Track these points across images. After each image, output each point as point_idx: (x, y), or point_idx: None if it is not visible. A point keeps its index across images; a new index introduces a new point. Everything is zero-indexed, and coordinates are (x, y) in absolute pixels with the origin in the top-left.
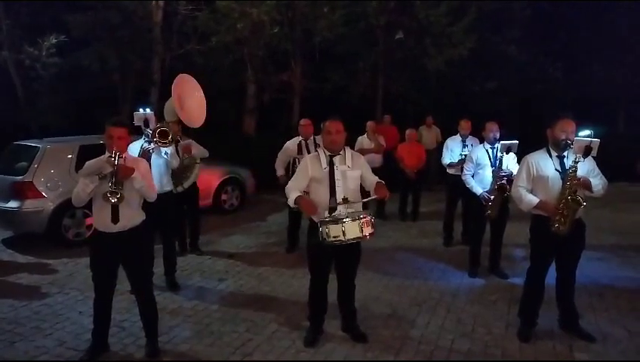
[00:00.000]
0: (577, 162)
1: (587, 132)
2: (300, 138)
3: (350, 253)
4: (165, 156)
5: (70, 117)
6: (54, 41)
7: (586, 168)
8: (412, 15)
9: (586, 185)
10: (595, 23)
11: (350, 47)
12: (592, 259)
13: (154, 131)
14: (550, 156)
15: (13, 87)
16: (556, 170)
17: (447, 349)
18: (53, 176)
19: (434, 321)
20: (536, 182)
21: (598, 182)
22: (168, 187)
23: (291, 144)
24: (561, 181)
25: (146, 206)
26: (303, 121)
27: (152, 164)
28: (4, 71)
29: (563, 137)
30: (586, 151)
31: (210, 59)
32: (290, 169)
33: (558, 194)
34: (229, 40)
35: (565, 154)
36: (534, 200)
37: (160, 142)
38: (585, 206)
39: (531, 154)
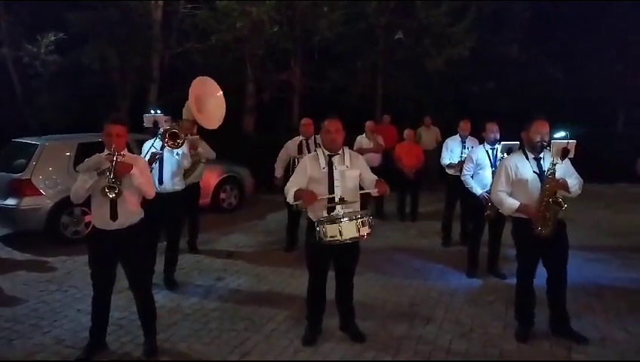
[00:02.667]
0: (555, 164)
1: (562, 133)
2: (301, 137)
3: (349, 253)
4: (177, 156)
5: (69, 114)
6: (53, 38)
7: (563, 169)
8: (412, 15)
9: (564, 186)
10: (594, 24)
11: (350, 47)
12: (591, 260)
13: (164, 133)
14: (527, 158)
15: (12, 85)
16: (534, 172)
17: (446, 349)
18: (52, 174)
19: (432, 321)
20: (516, 185)
21: (575, 182)
22: (179, 186)
23: (292, 143)
24: (539, 183)
25: (155, 203)
26: (304, 121)
27: (164, 163)
28: (4, 68)
29: (538, 139)
30: (564, 153)
31: (209, 57)
32: (290, 169)
33: (538, 197)
34: (228, 39)
35: (541, 155)
36: (515, 203)
37: (170, 143)
38: (565, 208)
39: (508, 157)
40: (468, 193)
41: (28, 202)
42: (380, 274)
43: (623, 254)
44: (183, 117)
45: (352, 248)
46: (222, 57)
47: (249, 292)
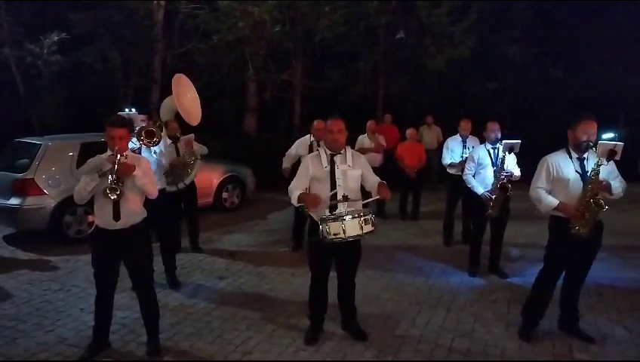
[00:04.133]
0: (600, 165)
1: (611, 135)
2: (312, 139)
3: (350, 252)
4: (155, 155)
5: (72, 115)
6: (56, 38)
7: (607, 171)
8: (413, 15)
9: (607, 188)
10: (595, 24)
11: (351, 47)
12: None
13: (140, 131)
14: (570, 158)
15: (14, 85)
16: (577, 171)
17: (447, 348)
18: (55, 174)
19: (434, 320)
20: (556, 183)
21: (617, 184)
22: (159, 185)
23: (303, 143)
24: (581, 183)
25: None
26: (317, 124)
27: None
28: (6, 68)
29: (585, 138)
30: (610, 155)
31: (211, 57)
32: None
33: (579, 197)
34: (230, 39)
35: (585, 155)
36: (554, 201)
37: (146, 141)
38: (607, 209)
39: (551, 155)
40: (469, 192)
41: (31, 201)
42: (381, 273)
43: (623, 254)
44: (163, 118)
45: (354, 247)
46: (223, 57)
47: (251, 292)
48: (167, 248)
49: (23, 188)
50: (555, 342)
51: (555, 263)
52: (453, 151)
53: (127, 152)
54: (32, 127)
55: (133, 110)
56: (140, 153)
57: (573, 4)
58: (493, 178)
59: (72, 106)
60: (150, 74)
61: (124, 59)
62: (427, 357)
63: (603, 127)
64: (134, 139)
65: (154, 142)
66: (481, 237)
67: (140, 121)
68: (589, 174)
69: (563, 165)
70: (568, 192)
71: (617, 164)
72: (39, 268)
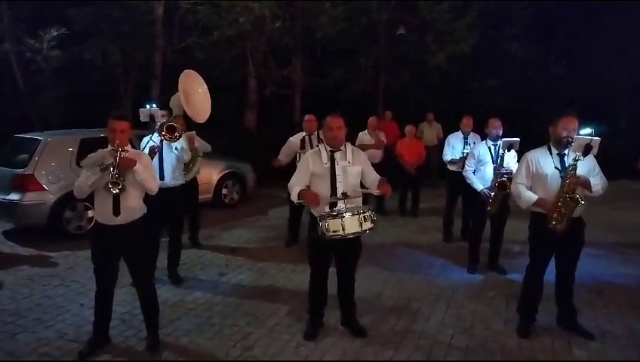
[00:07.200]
0: (577, 160)
1: (588, 130)
2: (304, 133)
3: (350, 248)
4: (176, 151)
5: (71, 110)
6: (55, 33)
7: (587, 167)
8: (414, 11)
9: (585, 184)
10: (596, 21)
11: (351, 43)
12: (592, 256)
13: (161, 126)
14: (550, 154)
15: (14, 80)
16: (556, 167)
17: (447, 344)
18: (55, 169)
19: (433, 317)
20: (536, 179)
21: (598, 181)
22: (180, 180)
23: (295, 139)
24: (560, 179)
25: (155, 200)
26: (307, 117)
27: (164, 159)
28: (6, 63)
29: (564, 134)
30: (586, 150)
31: (211, 53)
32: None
33: (557, 192)
34: (230, 34)
35: (566, 152)
36: (533, 197)
37: (168, 136)
38: (583, 204)
39: (531, 151)
40: (469, 189)
41: (31, 197)
42: (381, 269)
43: (622, 250)
44: (173, 113)
45: (353, 243)
46: (224, 53)
47: (251, 287)
48: (177, 243)
49: (23, 184)
50: (554, 339)
51: (536, 258)
52: (454, 148)
53: (128, 147)
54: (32, 123)
55: (154, 105)
56: (161, 150)
57: (573, 3)
58: (492, 175)
59: (72, 102)
60: (150, 69)
61: (124, 55)
62: (427, 352)
63: (603, 125)
64: (155, 136)
65: (175, 136)
66: (481, 234)
67: (161, 117)
68: (567, 170)
69: (542, 161)
70: (547, 188)
71: (617, 161)
72: (39, 264)
